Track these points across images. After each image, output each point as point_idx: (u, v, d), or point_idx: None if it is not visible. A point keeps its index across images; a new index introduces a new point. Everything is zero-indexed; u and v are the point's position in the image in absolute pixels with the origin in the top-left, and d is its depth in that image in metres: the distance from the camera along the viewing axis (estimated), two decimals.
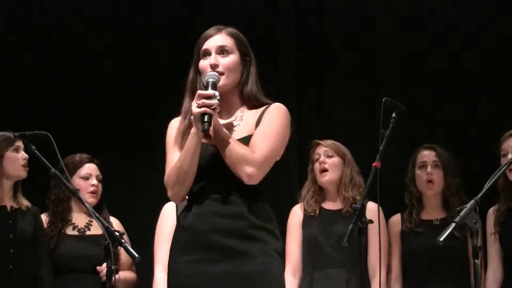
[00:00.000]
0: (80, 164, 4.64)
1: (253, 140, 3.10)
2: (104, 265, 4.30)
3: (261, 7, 5.60)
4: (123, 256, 4.52)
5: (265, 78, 3.32)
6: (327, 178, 4.60)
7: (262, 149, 3.07)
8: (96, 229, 4.49)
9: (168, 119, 3.31)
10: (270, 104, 3.21)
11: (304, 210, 4.62)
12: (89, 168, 4.65)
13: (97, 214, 3.69)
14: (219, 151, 3.08)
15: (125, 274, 4.59)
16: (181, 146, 3.13)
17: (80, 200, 3.81)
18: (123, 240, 3.48)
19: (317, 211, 4.58)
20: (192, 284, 3.05)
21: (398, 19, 5.57)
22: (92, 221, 4.55)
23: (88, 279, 4.48)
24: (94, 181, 4.62)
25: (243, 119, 3.20)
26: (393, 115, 4.11)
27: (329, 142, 4.63)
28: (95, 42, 5.65)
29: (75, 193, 3.76)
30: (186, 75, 3.25)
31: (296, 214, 4.63)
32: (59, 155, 3.68)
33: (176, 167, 3.09)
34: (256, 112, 3.20)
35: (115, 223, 4.68)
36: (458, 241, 4.44)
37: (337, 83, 5.59)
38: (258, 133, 3.11)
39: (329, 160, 4.60)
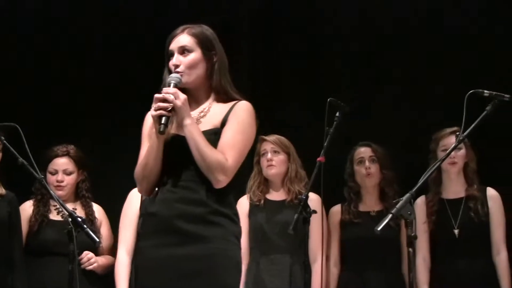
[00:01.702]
0: (50, 159, 4.86)
1: (223, 145, 3.20)
2: (84, 254, 4.61)
3: (216, 7, 5.72)
4: (103, 240, 4.78)
5: None
6: (274, 172, 4.86)
7: (234, 158, 3.19)
8: (79, 215, 4.63)
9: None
10: (237, 100, 3.31)
11: (251, 199, 4.87)
12: (57, 164, 4.86)
13: (61, 201, 3.93)
14: (186, 142, 3.18)
15: (102, 260, 4.78)
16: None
17: (45, 188, 4.11)
18: (85, 226, 3.70)
19: (262, 201, 4.84)
20: (156, 266, 3.17)
21: (346, 19, 5.73)
22: (76, 208, 4.72)
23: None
24: (59, 177, 4.83)
25: (210, 111, 3.30)
26: (337, 114, 4.34)
27: (274, 138, 4.87)
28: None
29: (40, 181, 4.00)
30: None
31: (243, 204, 4.86)
32: (26, 146, 3.85)
33: (142, 164, 3.24)
34: (224, 107, 3.30)
35: (97, 210, 4.91)
36: (392, 231, 4.70)
37: (287, 83, 5.78)
38: (228, 137, 3.22)
39: (276, 158, 4.86)
